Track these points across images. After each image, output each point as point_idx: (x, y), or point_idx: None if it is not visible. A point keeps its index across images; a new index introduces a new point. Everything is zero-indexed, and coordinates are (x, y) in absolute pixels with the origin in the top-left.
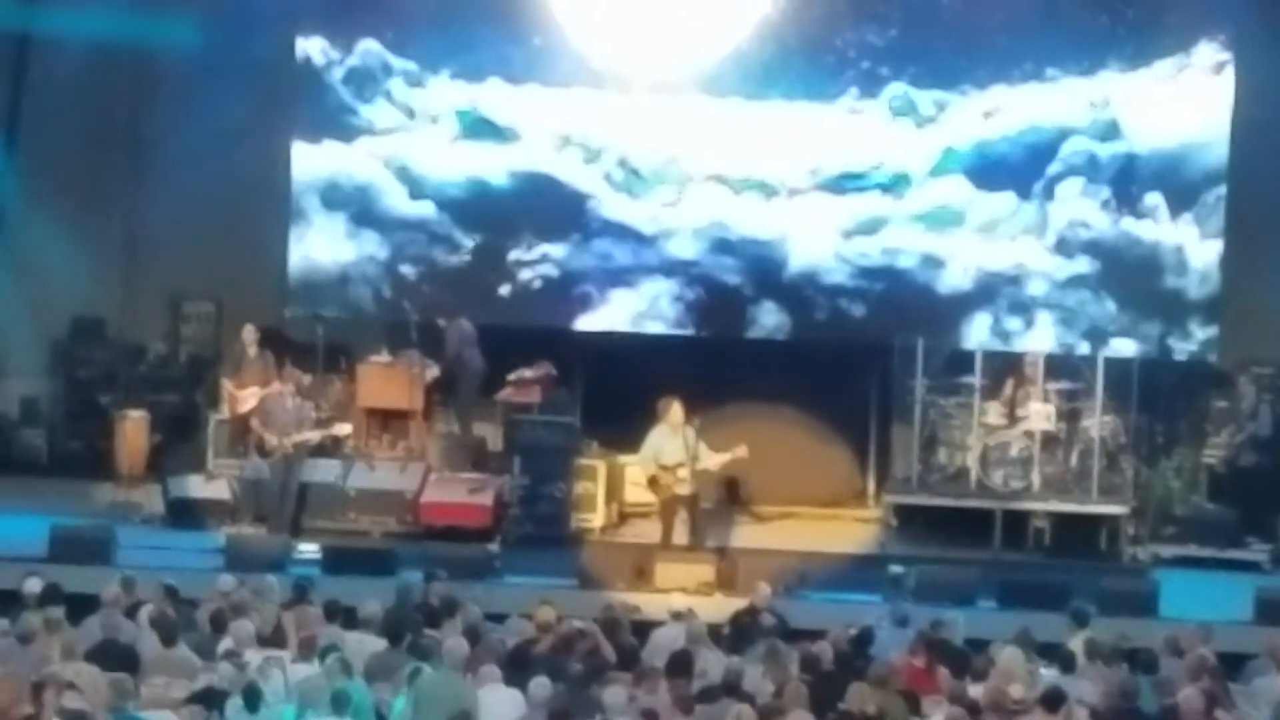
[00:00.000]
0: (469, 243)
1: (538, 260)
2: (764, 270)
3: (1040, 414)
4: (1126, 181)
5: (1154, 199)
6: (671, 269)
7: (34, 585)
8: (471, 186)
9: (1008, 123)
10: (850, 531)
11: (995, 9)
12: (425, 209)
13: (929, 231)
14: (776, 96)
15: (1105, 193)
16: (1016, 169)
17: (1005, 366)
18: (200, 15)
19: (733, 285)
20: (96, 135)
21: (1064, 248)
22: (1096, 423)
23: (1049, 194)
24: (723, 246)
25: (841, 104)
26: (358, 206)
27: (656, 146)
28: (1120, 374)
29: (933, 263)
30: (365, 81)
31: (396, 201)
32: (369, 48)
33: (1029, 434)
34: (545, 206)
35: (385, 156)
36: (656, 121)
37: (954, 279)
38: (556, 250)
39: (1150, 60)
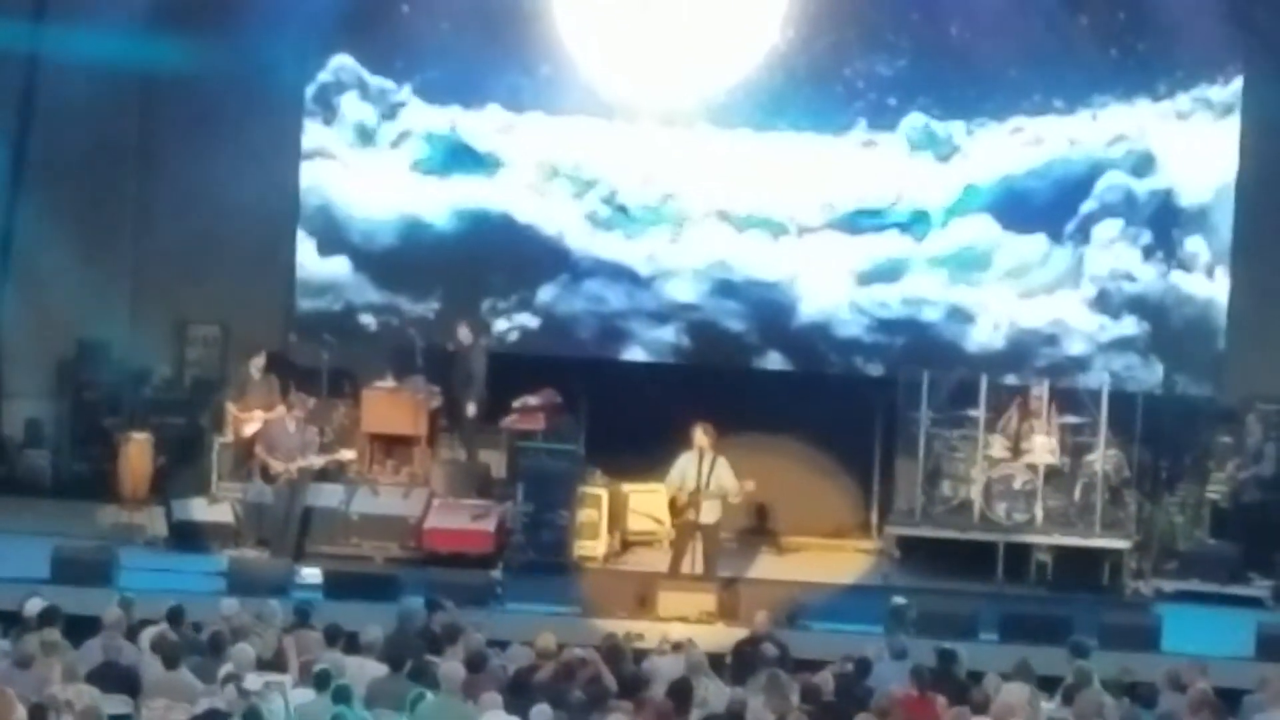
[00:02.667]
0: (435, 289)
1: (514, 307)
2: (771, 316)
3: (1044, 447)
4: (1166, 224)
5: (1195, 245)
6: (670, 313)
7: (34, 606)
8: (410, 228)
9: (1033, 156)
10: (853, 562)
11: (1004, 41)
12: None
13: (953, 277)
14: (785, 127)
15: (1146, 236)
16: (1046, 207)
17: (1010, 399)
18: (210, 39)
19: (735, 332)
20: (104, 158)
21: (1106, 304)
22: (1100, 457)
23: (1084, 236)
24: (726, 289)
25: (853, 136)
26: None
27: (656, 179)
28: (1125, 408)
29: (960, 315)
30: (332, 101)
31: (306, 256)
32: (343, 63)
33: (1033, 467)
34: (522, 245)
35: (327, 184)
36: (658, 153)
37: (984, 335)
38: (544, 293)
39: (1160, 94)
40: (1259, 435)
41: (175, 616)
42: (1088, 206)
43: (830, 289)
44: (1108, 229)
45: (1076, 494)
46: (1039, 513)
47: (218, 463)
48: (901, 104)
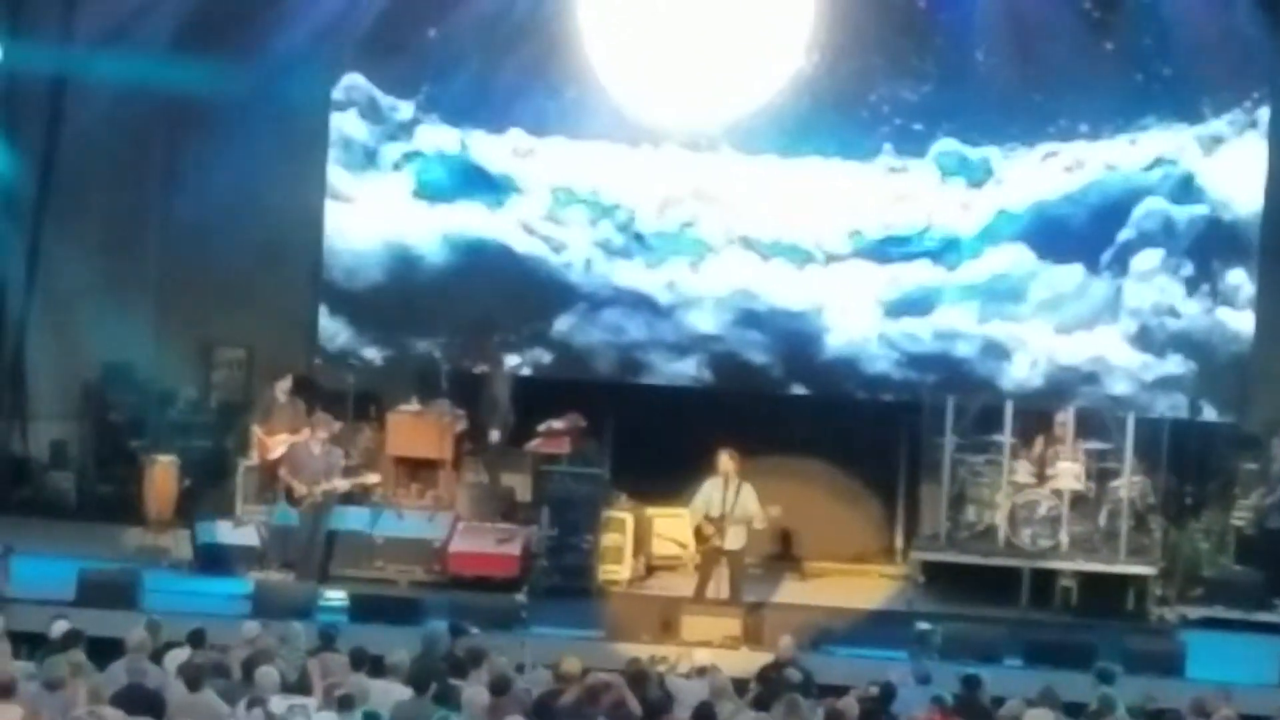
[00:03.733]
0: (442, 324)
1: (525, 341)
2: (796, 347)
3: (1069, 473)
4: (1207, 254)
5: (1237, 277)
6: (690, 344)
7: (60, 628)
8: (410, 257)
9: (1068, 182)
10: (878, 588)
11: (1030, 66)
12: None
13: (986, 309)
14: (811, 153)
15: (1188, 268)
16: (1082, 235)
17: (1035, 425)
18: (236, 61)
19: (759, 364)
20: (130, 180)
21: (1149, 341)
22: (1125, 483)
23: (1122, 267)
24: (749, 319)
25: (880, 162)
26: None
27: (677, 205)
28: (1150, 435)
29: (995, 350)
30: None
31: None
32: (354, 82)
33: (1058, 493)
34: (534, 274)
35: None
36: (681, 179)
37: (1020, 371)
38: (560, 323)
39: (1187, 119)
40: None
41: (197, 639)
42: (1125, 235)
43: (858, 320)
44: (1147, 259)
45: (1101, 520)
46: (1064, 538)
47: (243, 485)
48: (928, 129)
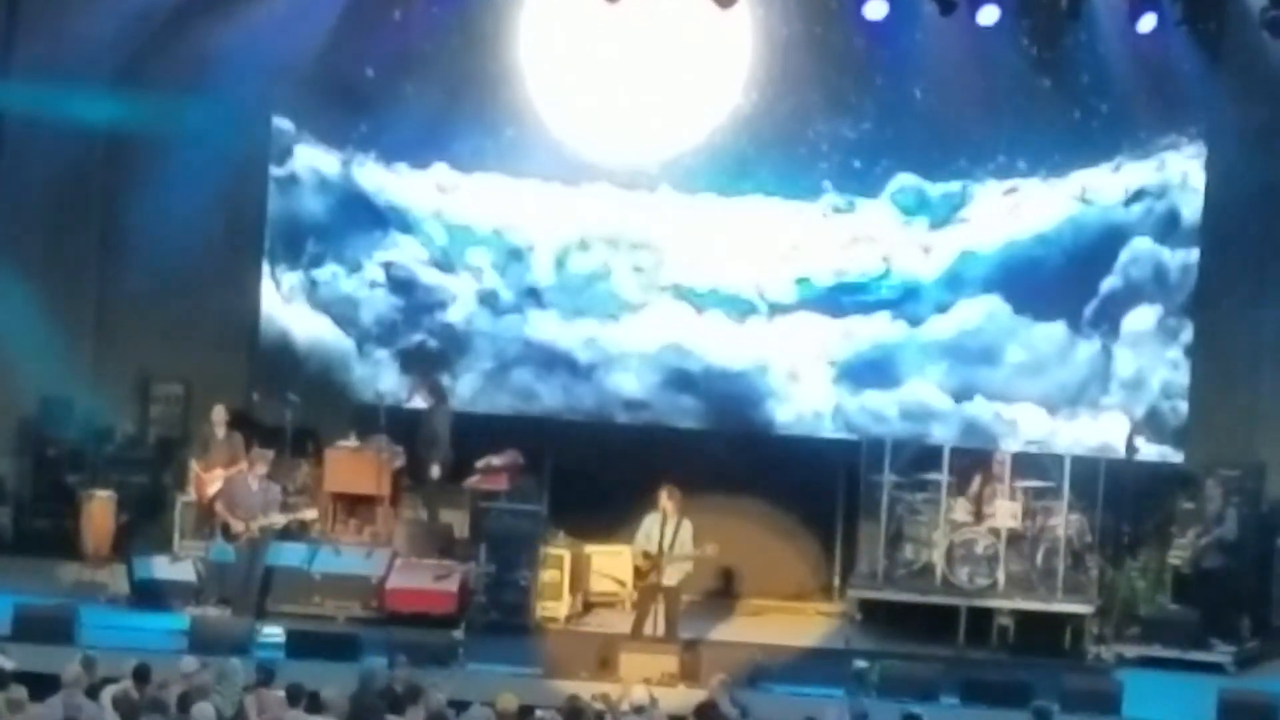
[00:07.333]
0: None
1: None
2: (735, 415)
3: (1007, 512)
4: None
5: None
6: (612, 412)
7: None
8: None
9: (1036, 220)
10: (814, 625)
11: (968, 103)
12: None
13: (956, 373)
14: (751, 190)
15: (1189, 331)
16: (1059, 283)
17: (973, 464)
18: (175, 96)
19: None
20: (67, 215)
21: (1163, 430)
22: (1063, 522)
23: (1111, 326)
24: (681, 380)
25: (825, 201)
26: None
27: (595, 248)
28: (1087, 474)
29: (978, 434)
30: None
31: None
32: (285, 123)
33: (995, 531)
34: (418, 326)
35: None
36: (608, 219)
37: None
38: (462, 386)
39: (1124, 155)
40: (1219, 501)
41: (141, 674)
42: (1110, 283)
43: (808, 387)
44: (1140, 318)
45: (1038, 558)
46: (1001, 577)
47: (180, 521)
48: (867, 166)
